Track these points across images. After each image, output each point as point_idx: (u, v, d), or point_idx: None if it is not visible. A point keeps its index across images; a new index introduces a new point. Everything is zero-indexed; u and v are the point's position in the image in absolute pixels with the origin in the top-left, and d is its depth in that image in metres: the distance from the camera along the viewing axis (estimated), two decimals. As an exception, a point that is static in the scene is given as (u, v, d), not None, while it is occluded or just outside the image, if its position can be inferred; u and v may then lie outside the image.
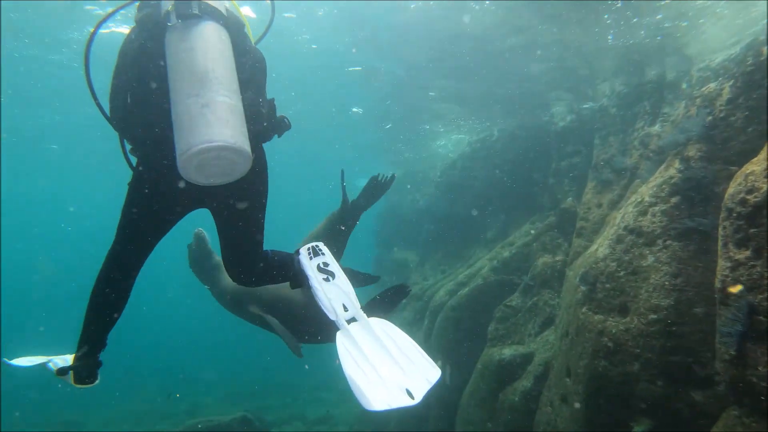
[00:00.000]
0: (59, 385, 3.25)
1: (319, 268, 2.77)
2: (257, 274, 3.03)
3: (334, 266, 2.79)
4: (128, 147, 2.72)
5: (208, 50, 2.35)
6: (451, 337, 8.88)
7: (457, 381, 8.32)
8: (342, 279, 2.73)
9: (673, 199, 4.45)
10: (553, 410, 5.58)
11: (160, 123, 2.47)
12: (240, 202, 2.81)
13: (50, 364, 3.00)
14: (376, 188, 5.72)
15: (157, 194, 2.69)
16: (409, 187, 14.74)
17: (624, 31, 7.37)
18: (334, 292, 2.66)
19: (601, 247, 5.21)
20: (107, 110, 2.72)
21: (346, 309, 2.59)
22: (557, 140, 9.32)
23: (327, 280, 2.72)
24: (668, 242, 4.34)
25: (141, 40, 2.58)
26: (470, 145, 11.68)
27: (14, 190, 28.68)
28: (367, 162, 19.88)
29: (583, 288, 5.14)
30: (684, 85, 6.07)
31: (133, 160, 2.76)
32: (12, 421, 13.32)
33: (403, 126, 14.40)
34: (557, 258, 7.71)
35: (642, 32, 7.31)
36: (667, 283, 4.18)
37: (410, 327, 10.79)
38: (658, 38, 7.35)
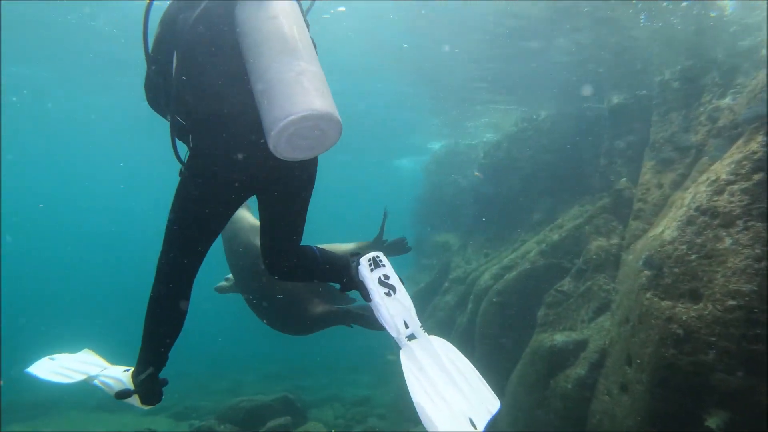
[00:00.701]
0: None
1: (380, 281, 2.62)
2: (290, 267, 2.91)
3: (395, 279, 2.66)
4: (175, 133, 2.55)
5: (291, 19, 2.30)
6: (497, 321, 8.65)
7: (503, 366, 8.12)
8: (403, 293, 2.60)
9: (756, 176, 4.10)
10: (611, 399, 5.32)
11: (233, 95, 2.38)
12: (296, 189, 2.71)
13: (97, 383, 2.86)
14: (399, 248, 6.09)
15: (217, 181, 2.50)
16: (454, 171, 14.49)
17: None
18: (396, 307, 2.54)
19: (667, 229, 4.89)
20: (147, 88, 2.61)
21: (406, 326, 2.52)
22: (610, 118, 8.90)
23: (389, 294, 2.58)
24: (750, 223, 4.00)
25: (197, 9, 2.45)
26: (516, 125, 11.33)
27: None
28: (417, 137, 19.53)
29: (647, 272, 4.84)
30: (764, 51, 5.62)
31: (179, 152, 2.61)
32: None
33: (448, 104, 14.16)
34: (612, 241, 7.37)
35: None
36: (749, 267, 3.86)
37: (453, 311, 10.61)
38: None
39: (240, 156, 2.45)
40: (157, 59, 2.52)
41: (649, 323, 4.60)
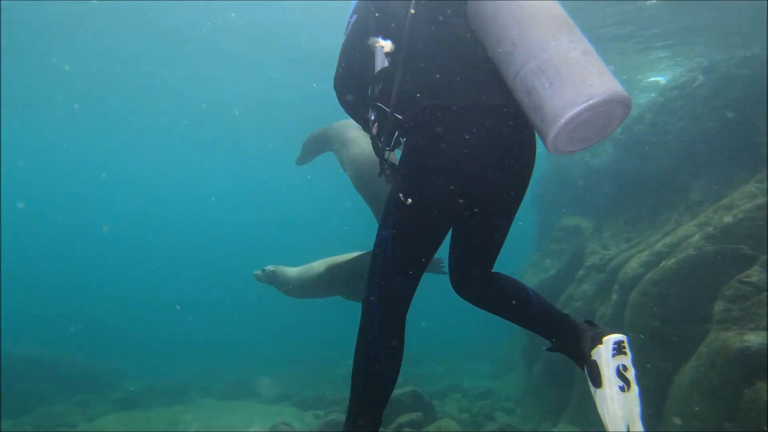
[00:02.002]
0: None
1: (618, 372, 2.28)
2: (486, 298, 2.51)
3: (632, 373, 2.33)
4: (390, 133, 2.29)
5: None
6: (653, 314, 7.67)
7: (662, 365, 7.19)
8: (635, 393, 2.28)
9: None
10: None
11: (470, 85, 2.15)
12: (512, 197, 2.37)
13: None
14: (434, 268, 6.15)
15: (441, 183, 2.17)
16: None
17: None
18: (626, 407, 2.24)
19: None
20: (344, 77, 2.43)
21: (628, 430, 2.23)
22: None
23: (623, 390, 2.26)
24: None
25: None
26: (663, 94, 10.07)
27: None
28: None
29: None
30: None
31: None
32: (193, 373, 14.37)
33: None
34: (811, 223, 6.18)
35: None
36: None
37: (591, 302, 9.69)
38: None
39: (476, 150, 2.15)
40: (353, 57, 2.37)
41: None
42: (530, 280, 11.89)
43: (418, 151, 2.20)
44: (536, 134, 2.14)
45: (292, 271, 7.06)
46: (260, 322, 23.06)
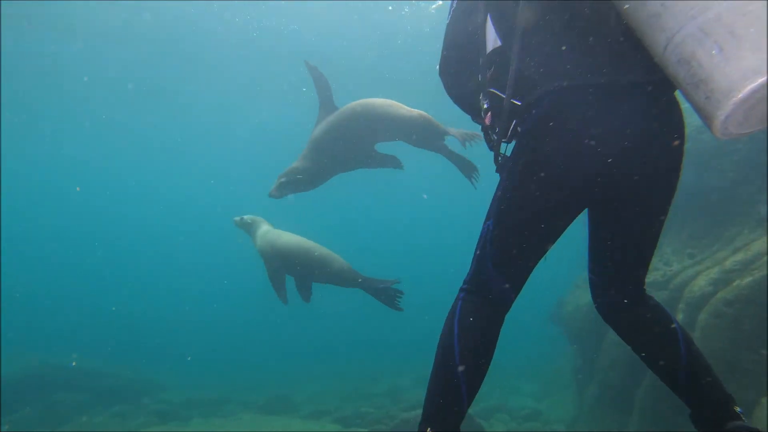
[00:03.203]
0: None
1: None
2: (627, 322, 2.21)
3: None
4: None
5: None
6: (726, 337, 7.11)
7: (738, 395, 6.62)
8: None
9: None
10: None
11: (619, 56, 1.84)
12: (658, 196, 2.08)
13: None
14: (386, 296, 6.62)
15: (575, 182, 1.94)
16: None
17: None
18: None
19: None
20: (450, 62, 2.18)
21: None
22: None
23: None
24: None
25: None
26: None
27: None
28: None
29: None
30: None
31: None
32: (231, 386, 14.23)
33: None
34: None
35: None
36: None
37: (652, 321, 9.13)
38: None
39: (614, 138, 1.86)
40: (459, 38, 2.11)
41: None
42: (583, 296, 11.36)
43: (542, 139, 1.91)
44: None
45: (265, 230, 7.43)
46: (301, 334, 22.91)
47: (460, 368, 1.97)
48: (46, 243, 38.33)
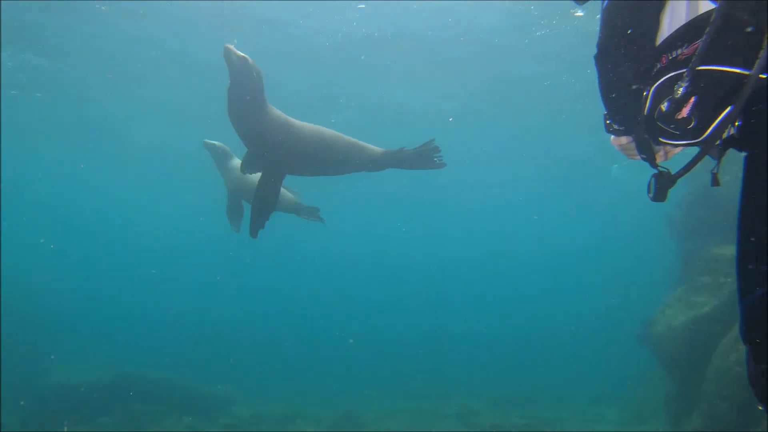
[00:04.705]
0: None
1: None
2: None
3: None
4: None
5: None
6: None
7: None
8: None
9: None
10: None
11: None
12: None
13: None
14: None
15: None
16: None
17: None
18: None
19: None
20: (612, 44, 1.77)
21: None
22: None
23: None
24: None
25: None
26: None
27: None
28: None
29: None
30: None
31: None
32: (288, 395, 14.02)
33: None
34: None
35: None
36: None
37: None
38: None
39: None
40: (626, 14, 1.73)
41: None
42: (676, 317, 10.39)
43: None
44: None
45: (235, 164, 7.36)
46: (371, 348, 22.59)
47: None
48: (110, 247, 39.24)
